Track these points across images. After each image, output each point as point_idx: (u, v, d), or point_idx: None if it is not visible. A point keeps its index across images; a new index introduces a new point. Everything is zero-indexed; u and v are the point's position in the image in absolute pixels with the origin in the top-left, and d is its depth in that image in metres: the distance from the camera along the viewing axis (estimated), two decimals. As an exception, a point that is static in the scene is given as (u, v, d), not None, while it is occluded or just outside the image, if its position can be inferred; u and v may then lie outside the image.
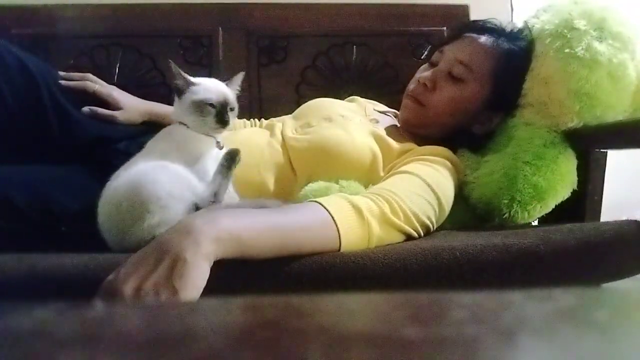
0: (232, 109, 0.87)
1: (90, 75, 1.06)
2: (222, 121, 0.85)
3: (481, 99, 1.03)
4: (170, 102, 1.35)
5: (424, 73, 1.05)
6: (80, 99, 1.01)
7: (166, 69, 1.39)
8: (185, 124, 0.87)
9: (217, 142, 0.88)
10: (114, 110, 1.04)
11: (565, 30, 0.97)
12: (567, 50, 0.96)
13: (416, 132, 1.05)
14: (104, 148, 0.99)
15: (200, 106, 0.85)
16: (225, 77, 0.92)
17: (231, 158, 0.81)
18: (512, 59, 1.02)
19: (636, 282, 0.81)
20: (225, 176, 0.80)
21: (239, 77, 0.92)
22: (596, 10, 0.98)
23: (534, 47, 1.03)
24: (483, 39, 1.04)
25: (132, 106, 1.07)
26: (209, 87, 0.87)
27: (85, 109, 1.00)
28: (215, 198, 0.78)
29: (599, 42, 0.95)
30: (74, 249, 0.74)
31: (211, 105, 0.84)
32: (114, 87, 1.08)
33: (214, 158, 0.85)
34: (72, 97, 1.00)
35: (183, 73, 0.86)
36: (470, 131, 1.06)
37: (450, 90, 1.02)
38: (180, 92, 0.87)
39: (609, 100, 0.96)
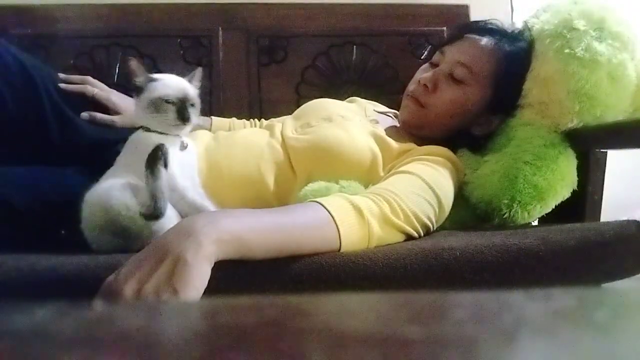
0: (192, 105, 0.84)
1: (89, 79, 1.06)
2: (182, 117, 0.82)
3: (481, 101, 1.03)
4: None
5: (424, 74, 1.05)
6: (79, 102, 1.01)
7: (167, 69, 1.39)
8: (146, 127, 0.85)
9: (182, 142, 0.86)
10: (112, 114, 1.04)
11: (565, 31, 0.97)
12: (566, 51, 0.96)
13: (416, 133, 1.05)
14: (103, 150, 0.99)
15: (159, 103, 0.82)
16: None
17: (153, 156, 0.75)
18: (513, 61, 1.02)
19: (636, 282, 0.81)
20: (154, 176, 0.75)
21: (199, 73, 0.90)
22: (595, 10, 0.98)
23: (534, 48, 1.03)
24: (484, 40, 1.04)
25: (130, 110, 1.06)
26: (168, 83, 0.84)
27: (84, 114, 1.00)
28: (153, 201, 0.74)
29: (599, 42, 0.95)
30: (74, 249, 0.74)
31: (169, 101, 0.82)
32: (113, 90, 1.08)
33: (177, 160, 0.82)
34: (71, 100, 1.00)
35: (144, 70, 0.84)
36: (470, 132, 1.06)
37: (450, 92, 1.02)
38: (140, 91, 0.84)
39: (609, 100, 0.96)
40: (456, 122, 1.04)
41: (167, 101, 0.82)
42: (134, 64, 0.82)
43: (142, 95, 0.83)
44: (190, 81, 0.87)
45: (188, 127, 0.85)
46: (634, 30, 0.99)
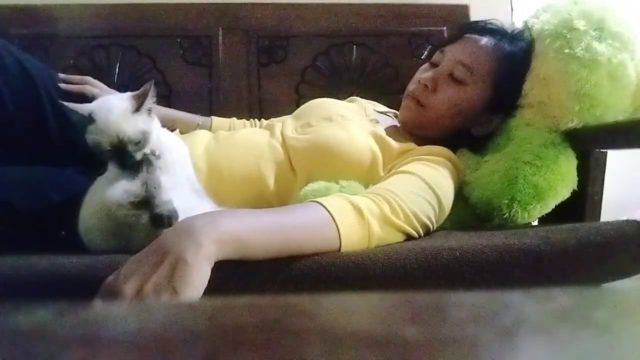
0: (137, 143, 0.74)
1: (89, 79, 1.06)
2: (123, 166, 0.75)
3: (481, 101, 1.03)
4: (169, 104, 1.35)
5: (424, 74, 1.05)
6: (79, 103, 1.01)
7: (167, 69, 1.39)
8: None
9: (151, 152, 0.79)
10: None
11: (565, 31, 0.97)
12: (566, 51, 0.96)
13: (416, 132, 1.05)
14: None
15: (97, 151, 0.75)
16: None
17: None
18: (513, 61, 1.02)
19: (636, 282, 0.81)
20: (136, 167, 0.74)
21: (149, 89, 0.77)
22: (595, 10, 0.98)
23: (534, 48, 1.03)
24: (484, 40, 1.04)
25: None
26: (100, 128, 0.73)
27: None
28: (143, 188, 0.73)
29: (599, 42, 0.95)
30: (74, 249, 0.74)
31: (105, 150, 0.74)
32: (114, 91, 1.08)
33: None
34: (71, 101, 0.99)
35: (75, 108, 0.75)
36: (470, 132, 1.06)
37: (450, 92, 1.02)
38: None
39: (609, 100, 0.96)
40: (456, 122, 1.04)
41: (100, 149, 0.74)
42: (67, 106, 0.74)
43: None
44: (139, 106, 0.76)
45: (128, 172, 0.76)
46: (634, 30, 0.99)
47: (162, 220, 0.71)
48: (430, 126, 1.04)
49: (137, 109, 0.76)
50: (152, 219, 0.72)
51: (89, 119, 0.74)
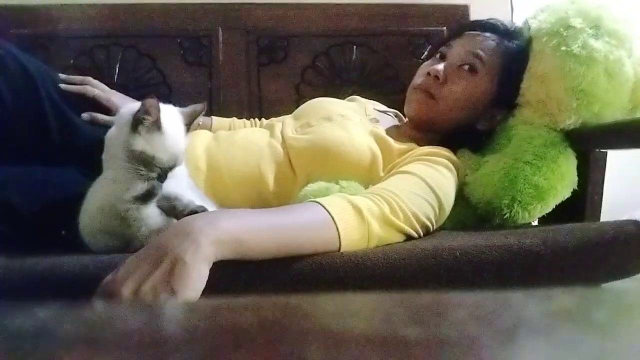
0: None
1: (90, 79, 1.05)
2: (161, 180, 0.77)
3: (488, 94, 1.03)
4: (169, 104, 1.35)
5: (435, 66, 1.04)
6: (79, 103, 1.01)
7: (167, 69, 1.39)
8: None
9: None
10: (113, 115, 1.03)
11: (562, 29, 0.98)
12: (563, 48, 0.96)
13: (423, 127, 1.04)
14: (103, 151, 0.99)
15: (147, 161, 0.74)
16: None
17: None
18: (515, 56, 1.03)
19: (636, 282, 0.81)
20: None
21: (201, 111, 0.85)
22: (592, 8, 0.99)
23: (532, 46, 1.03)
24: (487, 35, 1.04)
25: None
26: (167, 145, 0.75)
27: (85, 115, 1.00)
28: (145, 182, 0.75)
29: (595, 40, 0.95)
30: (74, 249, 0.74)
31: (157, 165, 0.75)
32: (114, 91, 1.08)
33: None
34: (72, 101, 0.99)
35: (158, 111, 0.74)
36: (475, 128, 1.05)
37: (462, 83, 1.01)
38: (136, 126, 0.74)
39: (606, 97, 0.96)
40: (465, 114, 1.03)
41: (155, 165, 0.75)
42: (151, 102, 0.73)
43: (136, 138, 0.74)
44: (190, 122, 0.83)
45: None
46: (631, 27, 0.99)
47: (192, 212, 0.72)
48: (440, 119, 1.03)
49: (189, 121, 0.82)
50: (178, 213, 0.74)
51: (157, 127, 0.74)
